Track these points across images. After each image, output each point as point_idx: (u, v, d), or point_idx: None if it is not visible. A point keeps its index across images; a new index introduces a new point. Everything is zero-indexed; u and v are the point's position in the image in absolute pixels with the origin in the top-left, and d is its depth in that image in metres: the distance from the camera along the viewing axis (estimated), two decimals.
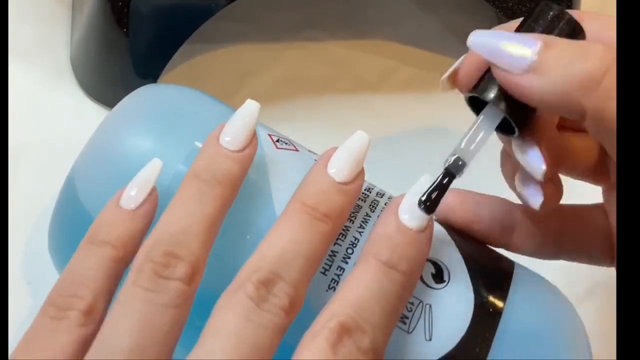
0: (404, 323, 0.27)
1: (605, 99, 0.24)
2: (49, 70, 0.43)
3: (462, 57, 0.28)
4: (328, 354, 0.23)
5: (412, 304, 0.27)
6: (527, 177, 0.28)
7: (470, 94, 0.27)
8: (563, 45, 0.25)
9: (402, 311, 0.26)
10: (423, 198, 0.26)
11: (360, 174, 0.27)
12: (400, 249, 0.25)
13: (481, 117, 0.26)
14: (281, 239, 0.25)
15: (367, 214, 0.29)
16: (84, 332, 0.24)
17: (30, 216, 0.38)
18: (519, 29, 0.26)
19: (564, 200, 0.30)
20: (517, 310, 0.28)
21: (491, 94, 0.26)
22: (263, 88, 0.44)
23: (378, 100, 0.45)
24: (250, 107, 0.28)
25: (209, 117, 0.30)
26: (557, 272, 0.31)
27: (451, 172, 0.26)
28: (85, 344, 0.24)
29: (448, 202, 0.30)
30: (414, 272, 0.26)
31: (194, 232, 0.25)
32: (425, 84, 0.45)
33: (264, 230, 0.27)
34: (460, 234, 0.30)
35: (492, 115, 0.26)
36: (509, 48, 0.25)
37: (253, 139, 0.28)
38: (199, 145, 0.28)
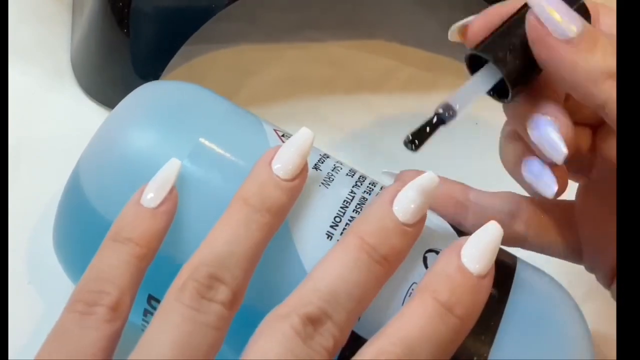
0: None
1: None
2: (49, 70, 0.43)
3: (478, 15, 0.28)
4: None
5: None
6: (537, 164, 0.28)
7: (473, 52, 0.27)
8: (603, 36, 0.25)
9: (450, 357, 0.25)
10: (411, 134, 0.26)
11: (423, 217, 0.26)
12: (460, 292, 0.24)
13: (479, 73, 0.27)
14: (335, 274, 0.24)
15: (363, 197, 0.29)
16: (111, 329, 0.24)
17: (30, 216, 0.38)
18: None
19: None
20: (521, 298, 0.28)
21: (494, 53, 0.26)
22: (263, 88, 0.44)
23: (378, 100, 0.45)
24: (304, 135, 0.28)
25: (212, 112, 0.30)
26: (557, 272, 0.31)
27: (441, 118, 0.26)
28: (113, 341, 0.25)
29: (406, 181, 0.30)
30: (470, 320, 0.25)
31: (239, 258, 0.25)
32: (425, 84, 0.45)
33: None
34: (463, 232, 0.30)
35: (490, 75, 0.27)
36: (560, 11, 0.25)
37: (304, 169, 0.27)
38: (203, 140, 0.29)
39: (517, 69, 0.26)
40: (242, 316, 0.25)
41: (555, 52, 0.25)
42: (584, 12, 0.27)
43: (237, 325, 0.25)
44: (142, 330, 0.30)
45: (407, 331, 0.24)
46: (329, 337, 0.24)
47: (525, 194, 0.30)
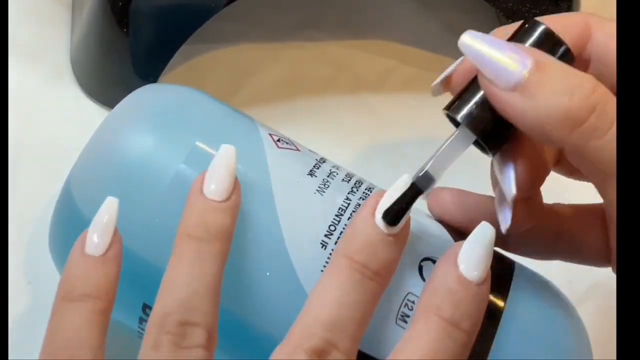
0: (405, 322, 0.27)
1: (587, 138, 0.23)
2: (49, 70, 0.43)
3: (455, 63, 0.27)
4: None
5: (412, 302, 0.27)
6: (502, 196, 0.27)
7: (445, 112, 0.26)
8: (554, 71, 0.23)
9: None
10: (386, 211, 0.25)
11: (407, 224, 0.26)
12: (464, 304, 0.24)
13: (453, 136, 0.26)
14: (333, 299, 0.24)
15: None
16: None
17: (30, 216, 0.38)
18: (511, 40, 0.25)
19: (561, 199, 0.30)
20: (518, 308, 0.28)
21: (465, 114, 0.25)
22: (263, 88, 0.44)
23: (378, 100, 0.45)
24: (228, 152, 0.27)
25: (208, 116, 0.30)
26: (557, 272, 0.31)
27: (418, 188, 0.25)
28: None
29: (444, 203, 0.29)
30: (475, 329, 0.25)
31: (203, 295, 0.24)
32: (425, 84, 0.45)
33: (265, 231, 0.27)
34: (460, 233, 0.30)
35: (465, 135, 0.25)
36: (499, 57, 0.23)
37: (237, 184, 0.27)
38: (199, 144, 0.28)
39: (491, 128, 0.25)
40: (237, 330, 0.25)
41: (504, 105, 0.24)
42: (564, 52, 0.25)
43: (231, 341, 0.25)
44: (139, 335, 0.29)
45: (418, 356, 0.23)
46: None
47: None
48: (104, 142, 0.29)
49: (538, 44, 0.25)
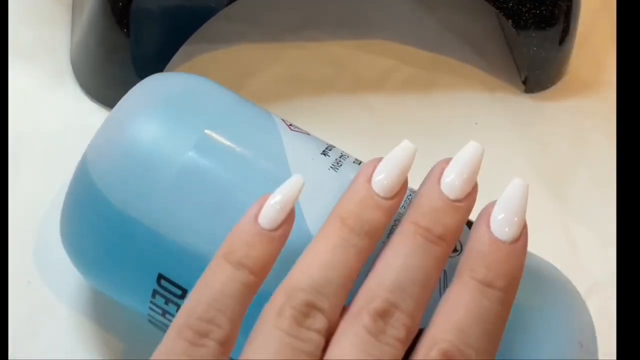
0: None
1: None
2: (49, 71, 0.43)
3: None
4: None
5: None
6: None
7: None
8: None
9: (504, 329, 0.25)
10: None
11: (474, 190, 0.26)
12: (496, 265, 0.24)
13: None
14: (395, 263, 0.25)
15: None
16: None
17: (30, 216, 0.38)
18: None
19: None
20: (525, 285, 0.28)
21: None
22: (263, 88, 0.44)
23: (378, 100, 0.45)
24: (406, 149, 0.27)
25: (217, 103, 0.31)
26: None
27: None
28: None
29: None
30: (513, 287, 0.25)
31: (336, 285, 0.24)
32: (425, 84, 0.45)
33: None
34: None
35: None
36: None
37: (404, 186, 0.26)
38: (208, 131, 0.29)
39: None
40: (258, 302, 0.25)
41: None
42: None
43: (252, 313, 0.25)
44: (150, 313, 0.30)
45: (455, 316, 0.24)
46: (400, 328, 0.24)
47: None
48: (121, 120, 0.30)
49: None
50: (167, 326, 0.30)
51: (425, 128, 0.42)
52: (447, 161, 0.26)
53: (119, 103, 0.31)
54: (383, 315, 0.24)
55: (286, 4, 0.47)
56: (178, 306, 0.28)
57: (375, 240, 0.26)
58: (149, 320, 0.31)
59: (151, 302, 0.29)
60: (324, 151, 0.30)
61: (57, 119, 0.42)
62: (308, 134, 0.31)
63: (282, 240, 0.26)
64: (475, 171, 0.26)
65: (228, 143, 0.29)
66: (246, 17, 0.46)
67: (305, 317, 0.24)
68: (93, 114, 0.42)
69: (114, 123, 0.30)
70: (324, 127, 0.43)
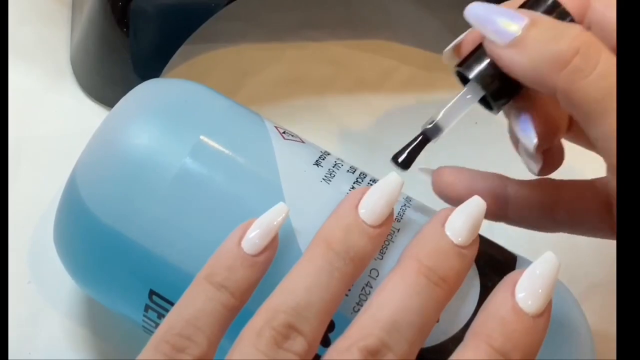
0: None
1: (572, 79, 0.25)
2: (49, 71, 0.43)
3: (466, 32, 0.28)
4: None
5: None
6: (524, 148, 0.28)
7: (457, 69, 0.28)
8: (546, 24, 0.26)
9: None
10: (399, 156, 0.27)
11: (476, 240, 0.26)
12: (516, 336, 0.23)
13: (464, 91, 0.28)
14: (394, 301, 0.24)
15: None
16: None
17: (30, 216, 0.38)
18: (521, 6, 0.27)
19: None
20: None
21: (474, 71, 0.27)
22: (263, 88, 0.44)
23: (378, 100, 0.45)
24: (393, 181, 0.27)
25: (212, 109, 0.30)
26: None
27: (427, 135, 0.28)
28: None
29: (445, 178, 0.30)
30: None
31: (318, 309, 0.24)
32: (425, 84, 0.45)
33: None
34: None
35: (474, 91, 0.27)
36: (499, 20, 0.26)
37: (390, 217, 0.26)
38: (204, 138, 0.29)
39: (497, 85, 0.27)
40: (243, 316, 0.25)
41: (504, 61, 0.26)
42: (564, 15, 0.27)
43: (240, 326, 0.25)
44: (144, 325, 0.30)
45: None
46: None
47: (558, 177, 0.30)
48: (109, 134, 0.30)
49: (542, 11, 0.27)
50: None
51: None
52: (452, 209, 0.26)
53: (108, 114, 0.30)
54: (374, 354, 0.23)
55: (286, 4, 0.47)
56: None
57: (361, 268, 0.26)
58: (144, 331, 0.31)
59: (144, 315, 0.29)
60: (317, 161, 0.30)
61: (56, 118, 0.42)
62: (302, 141, 0.31)
63: (265, 267, 0.26)
64: (479, 222, 0.26)
65: (218, 157, 0.29)
66: (246, 17, 0.46)
67: (284, 339, 0.24)
68: (93, 114, 0.42)
69: (102, 138, 0.30)
70: (323, 127, 0.43)
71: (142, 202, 0.28)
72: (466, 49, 0.28)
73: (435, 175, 0.30)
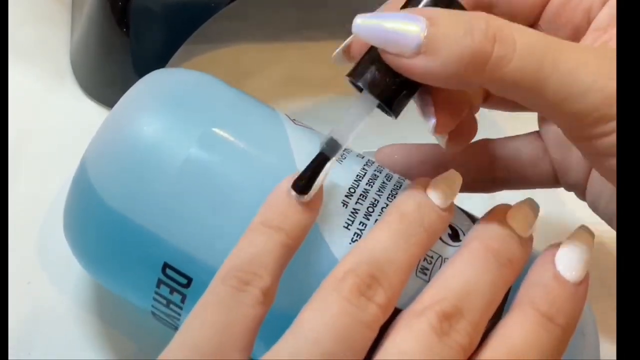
0: (425, 274, 0.27)
1: (498, 68, 0.23)
2: (49, 70, 0.43)
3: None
4: None
5: (432, 257, 0.27)
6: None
7: (348, 79, 0.26)
8: (448, 19, 0.24)
9: None
10: (297, 180, 0.25)
11: (531, 236, 0.27)
12: (559, 302, 0.25)
13: (355, 102, 0.26)
14: (466, 274, 0.25)
15: (383, 182, 0.29)
16: (262, 311, 0.24)
17: (30, 216, 0.38)
18: (404, 7, 0.26)
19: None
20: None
21: (367, 80, 0.25)
22: (263, 88, 0.44)
23: None
24: (455, 175, 0.27)
25: (219, 99, 0.31)
26: None
27: (325, 154, 0.26)
28: (259, 326, 0.24)
29: (385, 151, 0.32)
30: (571, 328, 0.25)
31: (398, 267, 0.25)
32: None
33: None
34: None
35: (368, 101, 0.26)
36: (395, 28, 0.24)
37: (452, 205, 0.27)
38: (211, 127, 0.29)
39: (392, 91, 0.25)
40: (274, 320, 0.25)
41: (415, 72, 0.24)
42: (450, 4, 0.25)
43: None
44: (154, 304, 0.30)
45: (511, 341, 0.24)
46: (464, 335, 0.23)
47: None
48: (119, 121, 0.30)
49: (428, 3, 0.25)
50: (171, 318, 0.30)
51: (425, 128, 0.42)
52: (508, 206, 0.27)
53: (118, 102, 0.31)
54: (449, 318, 0.24)
55: (286, 4, 0.47)
56: (183, 296, 0.28)
57: (433, 239, 0.26)
58: (152, 313, 0.30)
59: (155, 292, 0.29)
60: None
61: (57, 118, 0.42)
62: (311, 128, 0.31)
63: (315, 213, 0.26)
64: (534, 219, 0.27)
65: (232, 138, 0.29)
66: (246, 17, 0.46)
67: (367, 288, 0.24)
68: (93, 113, 0.42)
69: (111, 124, 0.30)
70: (323, 127, 0.43)
71: (155, 186, 0.28)
72: (356, 50, 0.27)
73: (377, 152, 0.32)
